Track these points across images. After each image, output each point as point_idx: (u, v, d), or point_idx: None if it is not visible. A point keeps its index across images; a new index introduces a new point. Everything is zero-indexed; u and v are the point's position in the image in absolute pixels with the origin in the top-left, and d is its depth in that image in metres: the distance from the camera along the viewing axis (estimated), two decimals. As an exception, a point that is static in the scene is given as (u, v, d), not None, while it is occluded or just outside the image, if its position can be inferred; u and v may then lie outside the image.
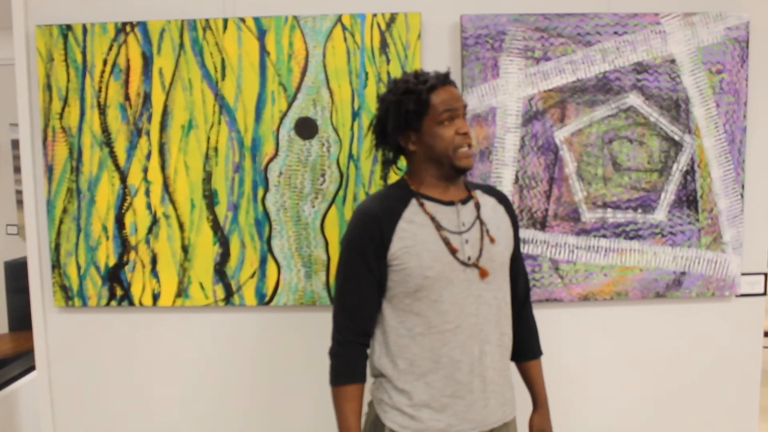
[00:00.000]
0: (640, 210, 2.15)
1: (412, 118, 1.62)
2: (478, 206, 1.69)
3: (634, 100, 2.13)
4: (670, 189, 2.15)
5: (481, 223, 1.66)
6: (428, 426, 1.60)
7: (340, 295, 1.66)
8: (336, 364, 1.66)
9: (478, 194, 1.74)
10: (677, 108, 2.14)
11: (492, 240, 1.65)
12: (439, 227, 1.61)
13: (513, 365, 1.89)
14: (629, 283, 2.17)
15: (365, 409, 1.74)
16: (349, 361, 1.65)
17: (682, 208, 2.16)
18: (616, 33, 2.11)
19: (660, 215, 2.16)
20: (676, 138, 2.14)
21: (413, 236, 1.60)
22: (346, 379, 1.63)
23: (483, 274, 1.62)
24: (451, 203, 1.66)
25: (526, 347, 1.83)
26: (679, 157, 2.15)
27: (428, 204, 1.65)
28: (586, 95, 2.12)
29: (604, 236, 2.16)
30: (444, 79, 1.64)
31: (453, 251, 1.60)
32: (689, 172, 2.15)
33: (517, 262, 1.80)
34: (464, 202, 1.68)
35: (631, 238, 2.16)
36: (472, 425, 1.62)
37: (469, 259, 1.61)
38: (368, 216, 1.63)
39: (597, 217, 2.15)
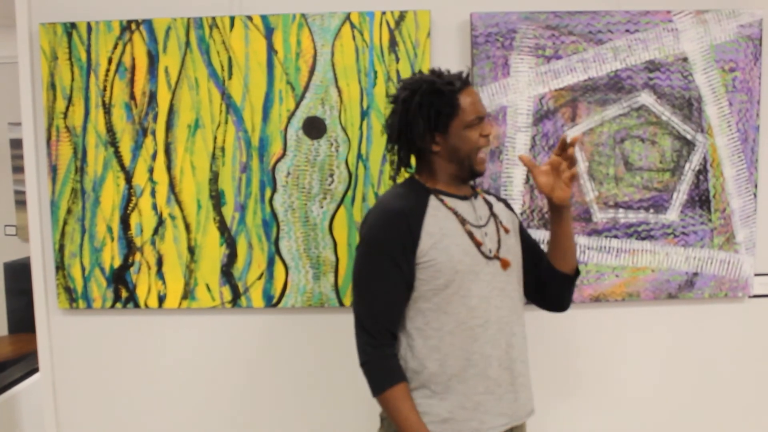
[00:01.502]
0: (652, 210, 2.16)
1: (441, 119, 1.63)
2: (487, 201, 1.75)
3: (645, 98, 2.13)
4: (682, 189, 2.16)
5: (495, 216, 1.72)
6: (462, 427, 1.59)
7: (369, 300, 1.62)
8: (375, 371, 1.61)
9: (483, 193, 1.81)
10: (689, 107, 2.14)
11: (507, 230, 1.71)
12: (463, 221, 1.64)
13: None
14: (641, 284, 2.18)
15: (378, 423, 1.73)
16: (388, 363, 1.61)
17: (694, 208, 2.16)
18: (627, 31, 2.11)
19: (672, 215, 2.16)
20: (689, 137, 2.15)
21: (440, 230, 1.61)
22: (391, 382, 1.58)
23: (504, 264, 1.66)
24: (465, 198, 1.70)
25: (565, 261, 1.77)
26: (691, 156, 2.15)
27: (447, 199, 1.67)
28: (597, 94, 2.13)
29: (615, 237, 2.16)
30: (466, 81, 1.66)
31: (478, 244, 1.63)
32: (702, 172, 2.15)
33: (535, 246, 1.83)
34: (474, 197, 1.73)
35: (643, 239, 2.16)
36: (505, 420, 1.62)
37: (490, 251, 1.65)
38: (394, 214, 1.60)
39: (608, 218, 2.16)
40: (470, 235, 1.63)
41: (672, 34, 2.12)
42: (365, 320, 1.61)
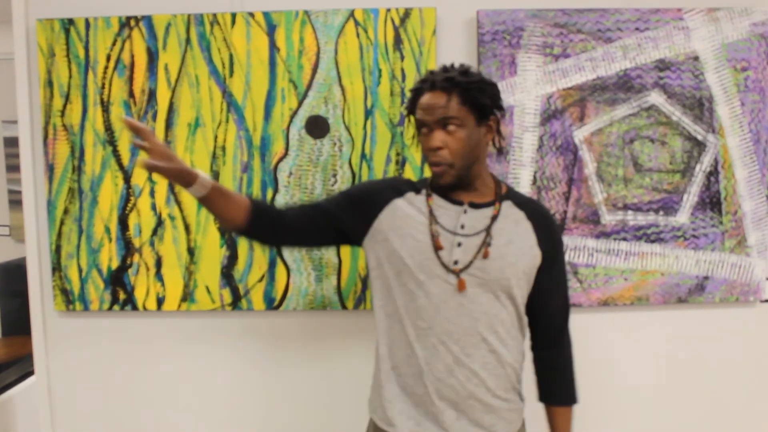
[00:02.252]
0: (661, 212, 2.14)
1: (409, 117, 1.65)
2: (494, 219, 1.60)
3: (655, 98, 2.11)
4: (692, 190, 2.14)
5: (487, 233, 1.58)
6: (399, 422, 1.60)
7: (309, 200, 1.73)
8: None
9: (506, 205, 1.64)
10: (700, 107, 2.12)
11: (486, 254, 1.56)
12: (433, 221, 1.60)
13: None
14: (650, 288, 2.16)
15: (365, 424, 1.74)
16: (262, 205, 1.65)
17: (705, 210, 2.14)
18: (637, 29, 2.09)
19: (682, 218, 2.14)
20: (700, 138, 2.13)
21: (404, 217, 1.61)
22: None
23: (460, 285, 1.55)
24: (460, 203, 1.62)
25: (556, 393, 1.72)
26: (702, 157, 2.13)
27: (435, 198, 1.64)
28: (606, 93, 2.11)
29: (624, 239, 2.14)
30: (431, 84, 1.56)
31: (437, 248, 1.57)
32: (713, 173, 2.14)
33: (549, 290, 1.67)
34: (478, 206, 1.62)
35: (653, 242, 2.14)
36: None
37: (455, 263, 1.56)
38: (379, 181, 1.72)
39: (617, 220, 2.14)
40: (434, 235, 1.58)
41: (683, 32, 2.10)
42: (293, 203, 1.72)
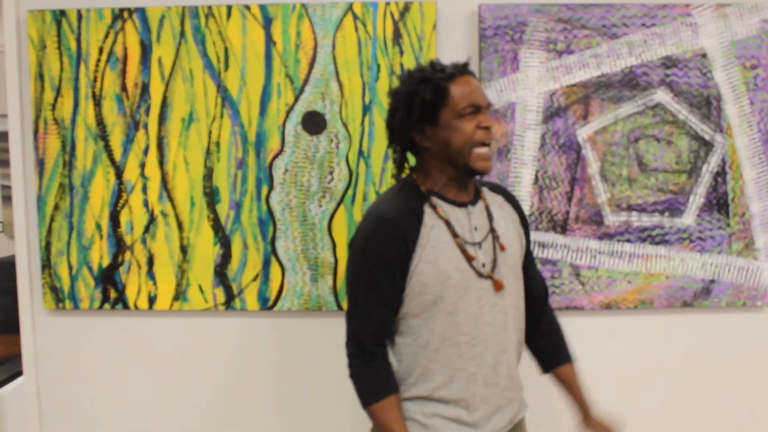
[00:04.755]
0: (667, 213, 2.15)
1: (428, 109, 1.58)
2: (488, 210, 1.67)
3: (662, 96, 2.13)
4: (699, 191, 2.15)
5: (493, 229, 1.65)
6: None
7: (361, 311, 1.61)
8: (364, 383, 1.61)
9: (486, 193, 1.73)
10: (708, 105, 2.13)
11: (502, 248, 1.64)
12: (454, 234, 1.59)
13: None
14: (655, 291, 2.17)
15: (361, 425, 1.75)
16: (376, 376, 1.60)
17: (711, 211, 2.15)
18: (644, 25, 2.10)
19: (688, 219, 2.15)
20: (707, 137, 2.14)
21: (430, 242, 1.58)
22: (380, 395, 1.58)
23: (498, 286, 1.61)
24: (463, 205, 1.64)
25: (553, 355, 1.82)
26: (709, 157, 2.14)
27: (441, 205, 1.62)
28: (611, 91, 2.12)
29: (628, 241, 2.15)
30: (463, 69, 1.60)
31: (470, 259, 1.59)
32: (720, 174, 2.15)
33: (529, 265, 1.80)
34: (474, 203, 1.66)
35: (657, 243, 2.15)
36: None
37: (483, 266, 1.60)
38: (389, 222, 1.58)
39: (621, 221, 2.15)
40: (462, 249, 1.58)
41: (690, 28, 2.11)
42: (357, 331, 1.60)
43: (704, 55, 2.12)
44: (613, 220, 2.15)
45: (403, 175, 1.71)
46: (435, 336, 1.58)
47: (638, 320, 2.21)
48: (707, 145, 2.14)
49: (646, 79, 2.12)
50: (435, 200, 1.62)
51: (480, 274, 1.59)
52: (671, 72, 2.12)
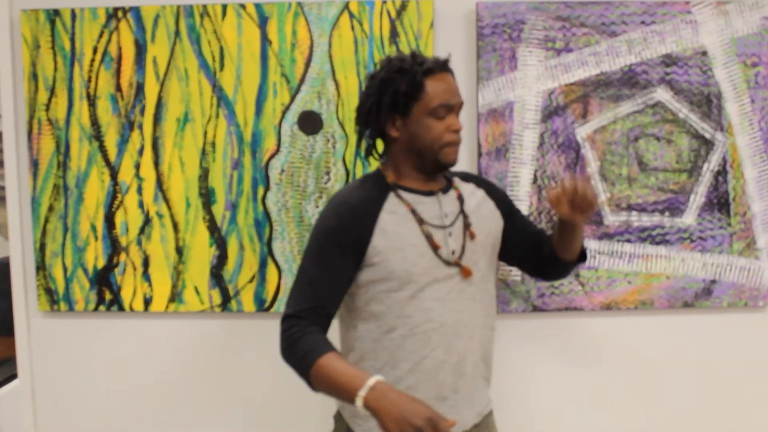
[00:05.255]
0: (667, 213, 2.14)
1: (402, 100, 1.59)
2: (460, 198, 1.70)
3: (662, 94, 2.11)
4: (699, 191, 2.14)
5: (464, 216, 1.68)
6: None
7: (304, 285, 1.58)
8: (297, 350, 1.50)
9: (457, 183, 1.76)
10: (708, 103, 2.12)
11: (472, 235, 1.66)
12: (420, 221, 1.62)
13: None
14: (655, 292, 2.16)
15: (332, 424, 1.77)
16: (312, 338, 1.50)
17: (712, 211, 2.14)
18: (643, 22, 2.09)
19: (689, 219, 2.14)
20: (707, 136, 2.13)
21: (395, 229, 1.60)
22: (319, 353, 1.47)
23: (466, 273, 1.63)
24: (431, 193, 1.67)
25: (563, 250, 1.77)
26: (710, 156, 2.13)
27: (407, 195, 1.65)
28: (610, 89, 2.11)
29: (628, 241, 2.14)
30: (443, 65, 1.61)
31: (435, 248, 1.61)
32: (721, 173, 2.14)
33: (525, 227, 1.83)
34: (444, 191, 1.69)
35: (658, 243, 2.14)
36: (456, 426, 1.64)
37: (453, 253, 1.63)
38: (347, 206, 1.61)
39: (621, 221, 2.14)
40: (428, 236, 1.60)
41: (690, 26, 2.10)
42: (301, 303, 1.56)
43: (704, 53, 2.11)
44: (612, 220, 2.14)
45: (371, 162, 1.77)
46: (402, 323, 1.60)
47: (639, 321, 2.20)
48: (708, 144, 2.13)
49: (646, 77, 2.11)
50: (400, 191, 1.65)
51: (447, 263, 1.61)
52: (671, 70, 2.11)
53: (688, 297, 2.16)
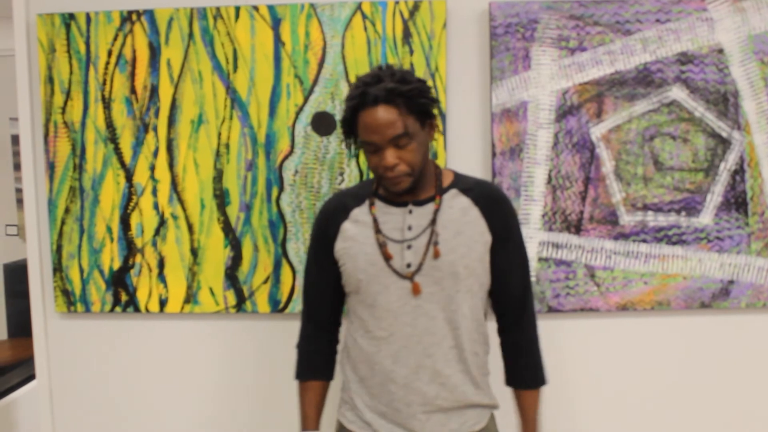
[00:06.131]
0: (683, 213, 2.13)
1: (345, 127, 1.64)
2: (436, 213, 1.64)
3: (677, 93, 2.10)
4: (716, 190, 2.12)
5: (432, 231, 1.62)
6: (373, 428, 1.68)
7: (304, 288, 1.82)
8: (299, 359, 1.81)
9: (450, 195, 1.68)
10: (725, 102, 2.11)
11: (437, 253, 1.61)
12: (377, 230, 1.65)
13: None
14: (672, 292, 2.15)
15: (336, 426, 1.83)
16: (309, 356, 1.79)
17: (730, 210, 2.13)
18: (658, 21, 2.09)
19: (706, 218, 2.13)
20: (724, 134, 2.11)
21: (353, 237, 1.67)
22: (306, 375, 1.78)
23: (415, 290, 1.61)
24: (404, 204, 1.67)
25: (511, 375, 1.77)
26: (726, 155, 2.12)
27: (378, 205, 1.69)
28: (625, 88, 2.10)
29: (644, 241, 2.13)
30: (374, 100, 1.53)
31: (387, 257, 1.62)
32: (738, 172, 2.12)
33: (504, 272, 1.71)
34: (422, 203, 1.66)
35: (674, 244, 2.13)
36: None
37: (408, 266, 1.62)
38: (321, 212, 1.77)
39: (636, 221, 2.13)
40: (381, 245, 1.63)
41: (706, 23, 2.09)
42: (303, 307, 1.82)
43: (721, 51, 2.10)
44: (628, 220, 2.13)
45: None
46: (361, 325, 1.68)
47: (655, 322, 2.19)
48: (725, 143, 2.12)
49: (661, 75, 2.10)
50: (375, 198, 1.70)
51: (399, 274, 1.62)
52: (687, 68, 2.10)
53: (705, 298, 2.15)
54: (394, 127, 1.53)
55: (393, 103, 1.53)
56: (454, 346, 1.64)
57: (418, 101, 1.55)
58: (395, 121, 1.53)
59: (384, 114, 1.53)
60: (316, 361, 1.79)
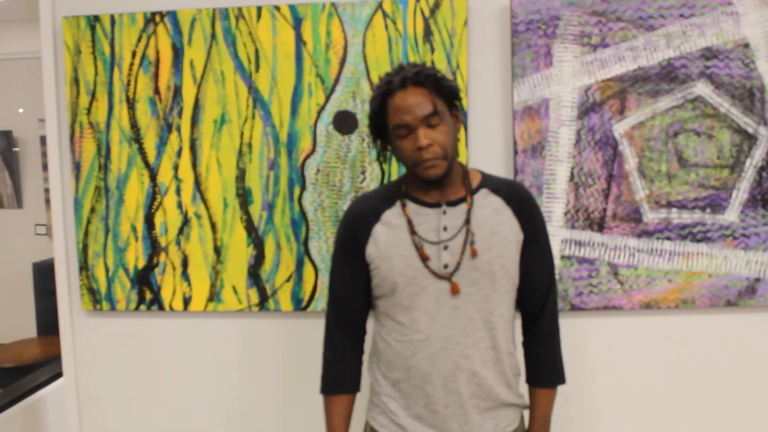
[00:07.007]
0: (708, 210, 2.11)
1: (375, 121, 1.64)
2: (470, 213, 1.64)
3: (702, 89, 2.08)
4: (742, 187, 2.10)
5: (468, 231, 1.62)
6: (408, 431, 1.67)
7: (329, 294, 1.77)
8: (325, 372, 1.76)
9: (481, 195, 1.67)
10: (751, 97, 2.08)
11: (474, 253, 1.61)
12: (413, 231, 1.63)
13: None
14: (696, 290, 2.13)
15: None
16: (338, 369, 1.75)
17: (756, 207, 2.10)
18: (682, 15, 2.07)
19: (731, 216, 2.11)
20: (750, 130, 2.09)
21: (387, 240, 1.64)
22: (334, 390, 1.74)
23: (454, 290, 1.61)
24: (437, 205, 1.65)
25: (530, 372, 1.77)
26: (752, 151, 2.10)
27: (410, 206, 1.67)
28: (648, 84, 2.09)
29: (668, 238, 2.12)
30: (402, 82, 1.56)
31: (424, 259, 1.61)
32: (764, 168, 2.10)
33: (532, 272, 1.71)
34: (455, 203, 1.66)
35: (699, 241, 2.11)
36: None
37: (446, 267, 1.61)
38: (349, 216, 1.72)
39: (660, 218, 2.11)
40: (418, 247, 1.62)
41: (732, 18, 2.07)
42: (328, 314, 1.77)
43: (746, 45, 2.07)
44: (652, 217, 2.11)
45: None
46: (395, 328, 1.66)
47: (680, 320, 2.18)
48: (750, 139, 2.09)
49: (685, 71, 2.08)
50: (406, 200, 1.68)
51: (437, 275, 1.61)
52: (711, 63, 2.08)
53: (731, 296, 2.13)
54: (425, 106, 1.55)
55: (422, 84, 1.56)
56: (491, 347, 1.64)
57: (444, 83, 1.58)
58: (425, 100, 1.55)
59: (414, 93, 1.56)
60: (345, 374, 1.75)
